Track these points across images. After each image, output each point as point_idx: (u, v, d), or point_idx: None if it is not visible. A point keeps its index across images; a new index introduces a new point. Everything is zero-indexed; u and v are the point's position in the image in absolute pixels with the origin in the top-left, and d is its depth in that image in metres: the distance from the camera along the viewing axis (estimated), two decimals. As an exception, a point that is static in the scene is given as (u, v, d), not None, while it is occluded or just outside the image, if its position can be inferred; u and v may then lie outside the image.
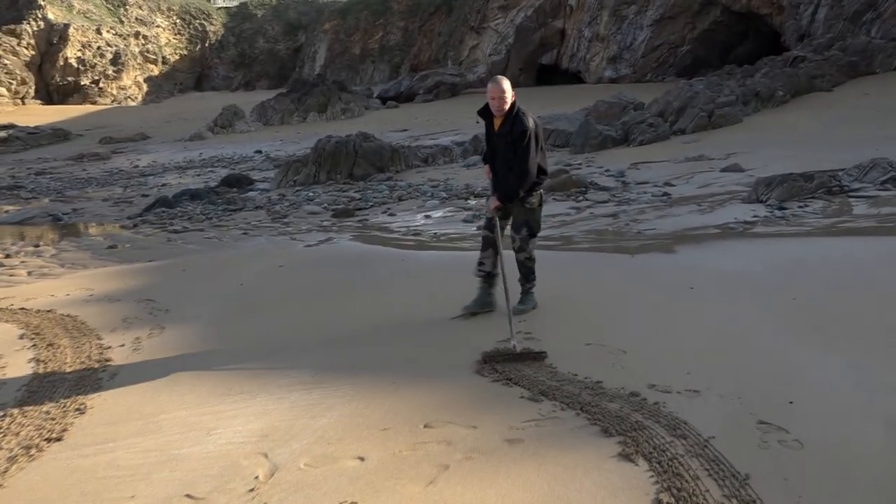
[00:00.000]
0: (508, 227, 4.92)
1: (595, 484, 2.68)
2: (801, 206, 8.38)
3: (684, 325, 4.41)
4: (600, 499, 2.58)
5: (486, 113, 4.79)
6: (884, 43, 21.16)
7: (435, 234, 8.51)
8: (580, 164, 13.16)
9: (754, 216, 8.07)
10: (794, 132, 14.63)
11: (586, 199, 9.88)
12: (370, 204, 10.91)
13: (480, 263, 4.92)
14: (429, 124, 25.30)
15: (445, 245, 7.84)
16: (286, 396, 3.64)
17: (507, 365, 3.86)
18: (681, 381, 3.55)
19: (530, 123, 4.62)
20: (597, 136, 14.78)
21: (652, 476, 2.71)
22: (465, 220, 9.07)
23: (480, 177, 12.66)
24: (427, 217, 9.68)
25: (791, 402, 3.28)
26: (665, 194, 9.89)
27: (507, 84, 4.67)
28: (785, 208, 8.32)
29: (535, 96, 27.67)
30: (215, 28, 57.57)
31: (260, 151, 21.52)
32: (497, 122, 4.71)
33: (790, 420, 3.10)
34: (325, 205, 11.07)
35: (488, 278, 4.89)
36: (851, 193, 8.91)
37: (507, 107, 4.63)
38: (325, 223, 9.72)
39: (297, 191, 12.79)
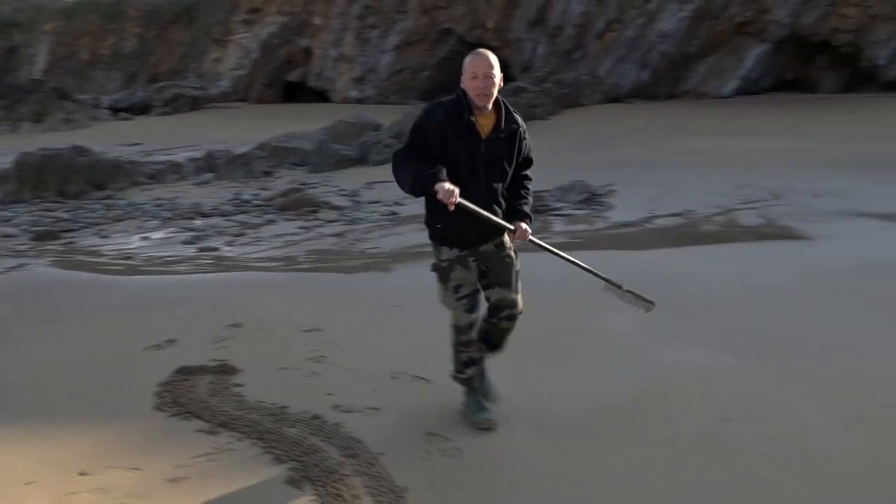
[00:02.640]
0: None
1: (256, 516, 2.61)
2: (510, 224, 9.14)
3: (381, 343, 4.54)
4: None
5: (458, 111, 3.13)
6: (589, 79, 24.03)
7: (150, 257, 7.94)
8: (316, 183, 13.17)
9: (469, 234, 8.63)
10: (514, 156, 15.97)
11: (317, 219, 9.88)
12: (80, 225, 9.91)
13: (473, 363, 3.40)
14: (165, 138, 23.70)
15: (159, 269, 7.34)
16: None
17: None
18: (365, 400, 3.63)
19: None
20: (334, 156, 14.92)
21: (314, 500, 2.71)
22: (186, 242, 8.59)
23: (210, 195, 12.12)
24: (145, 239, 9.02)
25: (463, 412, 3.50)
26: (393, 213, 10.23)
27: (496, 60, 3.16)
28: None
29: (282, 113, 27.33)
30: None
31: (-45, 164, 18.61)
32: (485, 122, 3.15)
33: (456, 429, 3.30)
34: (25, 226, 9.84)
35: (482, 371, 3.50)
36: (553, 212, 9.93)
37: (495, 94, 3.15)
38: (21, 247, 8.62)
39: (-8, 210, 11.22)
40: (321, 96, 33.78)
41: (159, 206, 11.26)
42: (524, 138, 3.29)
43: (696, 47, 23.05)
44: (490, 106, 3.15)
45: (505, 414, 3.47)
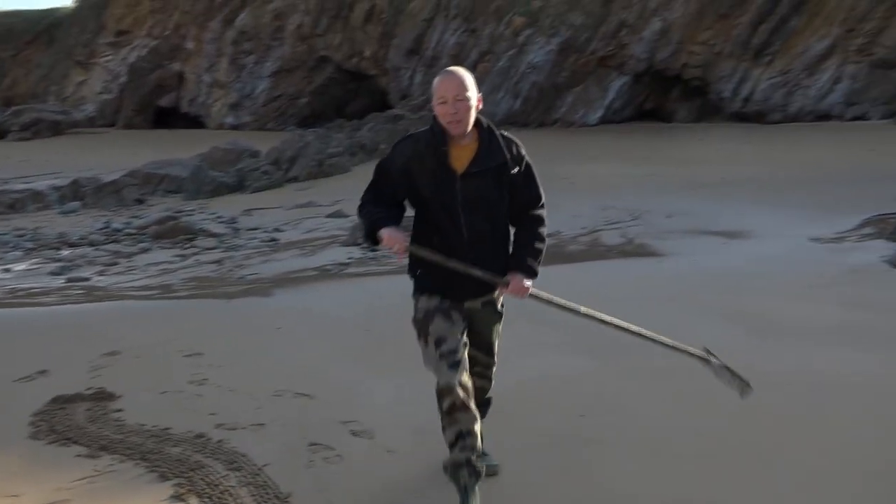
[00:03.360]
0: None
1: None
2: (389, 248, 9.41)
3: (263, 364, 4.64)
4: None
5: (428, 143, 2.69)
6: (463, 106, 24.94)
7: (12, 289, 7.59)
8: (192, 210, 12.94)
9: (349, 258, 8.81)
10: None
11: (194, 247, 9.75)
12: (-69, 258, 9.30)
13: (465, 437, 2.74)
14: (23, 165, 22.36)
15: (24, 301, 7.04)
16: None
17: None
18: (248, 417, 3.74)
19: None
20: (210, 183, 14.69)
21: (201, 512, 2.82)
22: (53, 273, 8.27)
23: (77, 225, 11.66)
24: (6, 271, 8.60)
25: (344, 423, 3.69)
26: (273, 240, 10.25)
27: (470, 78, 2.69)
28: (376, 249, 9.25)
29: (154, 140, 26.48)
30: None
31: None
32: (461, 154, 2.69)
33: (338, 438, 3.49)
34: None
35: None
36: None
37: (473, 118, 2.70)
38: None
39: None
40: (195, 122, 32.93)
41: (20, 236, 10.74)
42: (517, 171, 2.74)
43: (563, 78, 24.42)
44: (469, 133, 2.68)
45: (383, 419, 3.70)
